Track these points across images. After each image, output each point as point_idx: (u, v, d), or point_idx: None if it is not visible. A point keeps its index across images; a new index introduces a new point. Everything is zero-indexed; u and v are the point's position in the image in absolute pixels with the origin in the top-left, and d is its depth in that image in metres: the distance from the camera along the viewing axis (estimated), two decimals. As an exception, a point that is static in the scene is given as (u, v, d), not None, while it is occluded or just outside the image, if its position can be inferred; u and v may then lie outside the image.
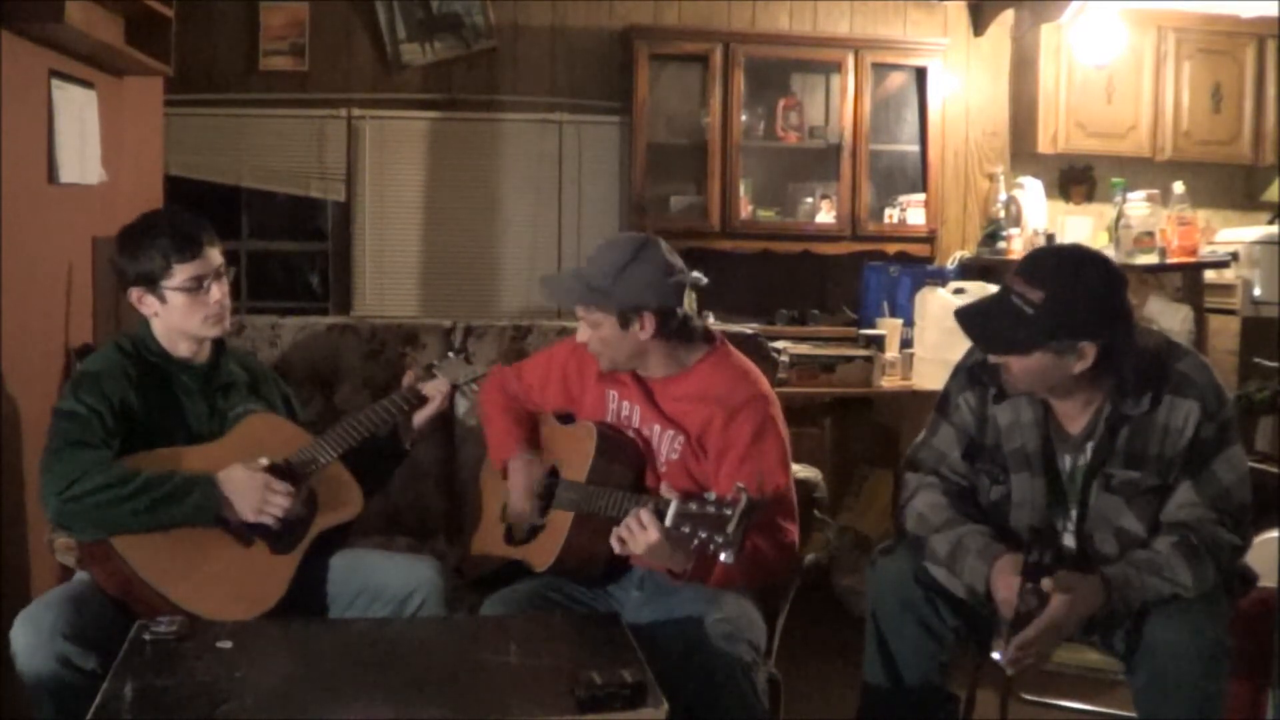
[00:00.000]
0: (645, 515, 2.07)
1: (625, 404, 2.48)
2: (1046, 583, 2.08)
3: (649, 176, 5.16)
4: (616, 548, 2.12)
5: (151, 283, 2.36)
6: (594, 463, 2.39)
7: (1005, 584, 2.13)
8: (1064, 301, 2.11)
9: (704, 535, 2.01)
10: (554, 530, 2.42)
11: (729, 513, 1.99)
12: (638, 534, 2.08)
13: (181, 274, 2.36)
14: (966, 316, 2.23)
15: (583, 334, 2.43)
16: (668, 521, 2.04)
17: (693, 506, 2.03)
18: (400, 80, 5.29)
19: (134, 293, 2.39)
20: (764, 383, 2.46)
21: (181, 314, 2.38)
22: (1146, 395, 2.18)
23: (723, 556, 2.01)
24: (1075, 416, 2.25)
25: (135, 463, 2.26)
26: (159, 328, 2.42)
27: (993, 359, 2.24)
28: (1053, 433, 2.28)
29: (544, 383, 2.63)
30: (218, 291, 2.40)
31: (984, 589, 2.18)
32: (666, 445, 2.41)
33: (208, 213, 2.59)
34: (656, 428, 2.43)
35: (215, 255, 2.41)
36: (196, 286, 2.37)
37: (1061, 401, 2.25)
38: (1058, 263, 2.20)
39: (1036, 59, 5.39)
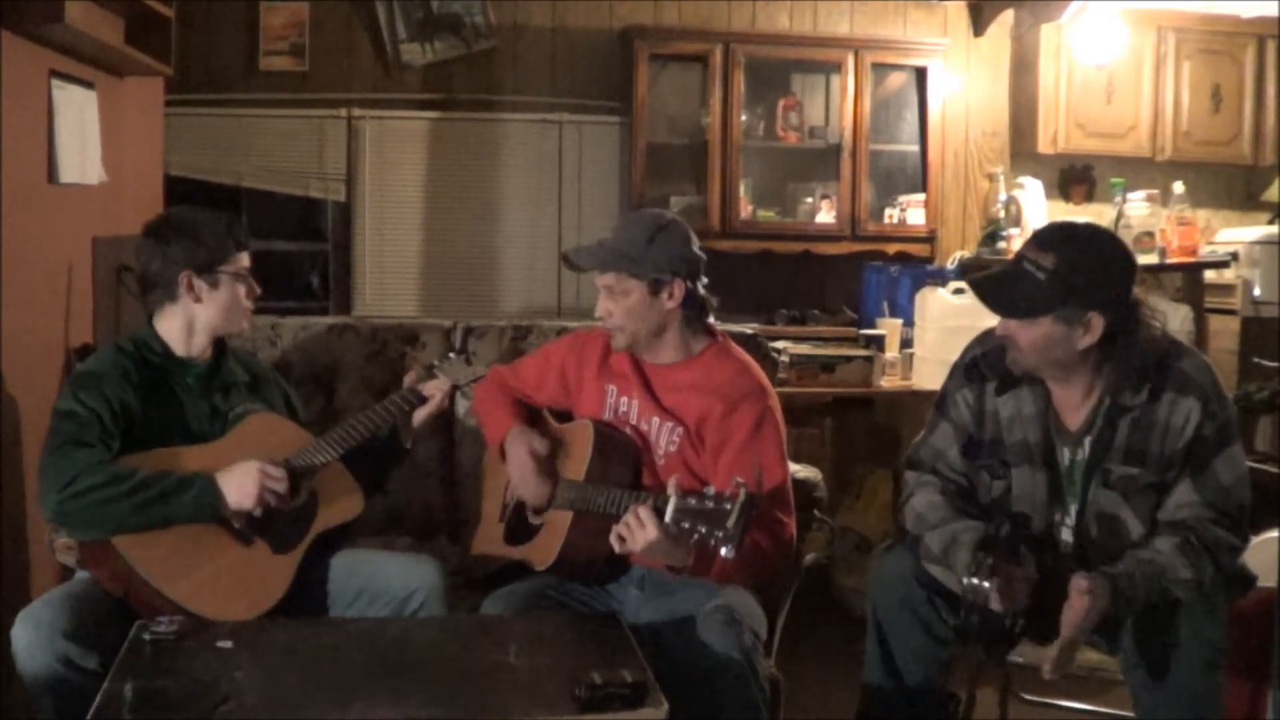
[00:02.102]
0: (644, 512, 2.07)
1: (624, 399, 2.48)
2: (1085, 578, 2.07)
3: (649, 176, 5.16)
4: (616, 546, 2.12)
5: (209, 268, 2.39)
6: (592, 461, 2.39)
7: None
8: (1075, 267, 2.13)
9: (704, 530, 2.01)
10: (553, 529, 2.42)
11: (728, 507, 1.99)
12: (636, 531, 2.08)
13: (240, 261, 2.44)
14: (979, 282, 2.24)
15: (603, 308, 2.42)
16: (667, 517, 2.04)
17: (692, 502, 2.03)
18: (400, 80, 5.29)
19: (184, 278, 2.39)
20: (763, 376, 2.48)
21: (230, 303, 2.42)
22: (1145, 388, 2.18)
23: (723, 551, 2.01)
24: (1075, 408, 2.26)
25: (135, 463, 2.25)
26: (175, 323, 2.41)
27: (1000, 332, 2.25)
28: (1053, 427, 2.28)
29: (541, 379, 2.63)
30: (254, 286, 2.48)
31: None
32: (665, 437, 2.42)
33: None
34: (655, 420, 2.43)
35: None
36: (247, 275, 2.45)
37: (1062, 387, 2.26)
38: (1071, 232, 2.23)
39: (1036, 59, 5.39)
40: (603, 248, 2.44)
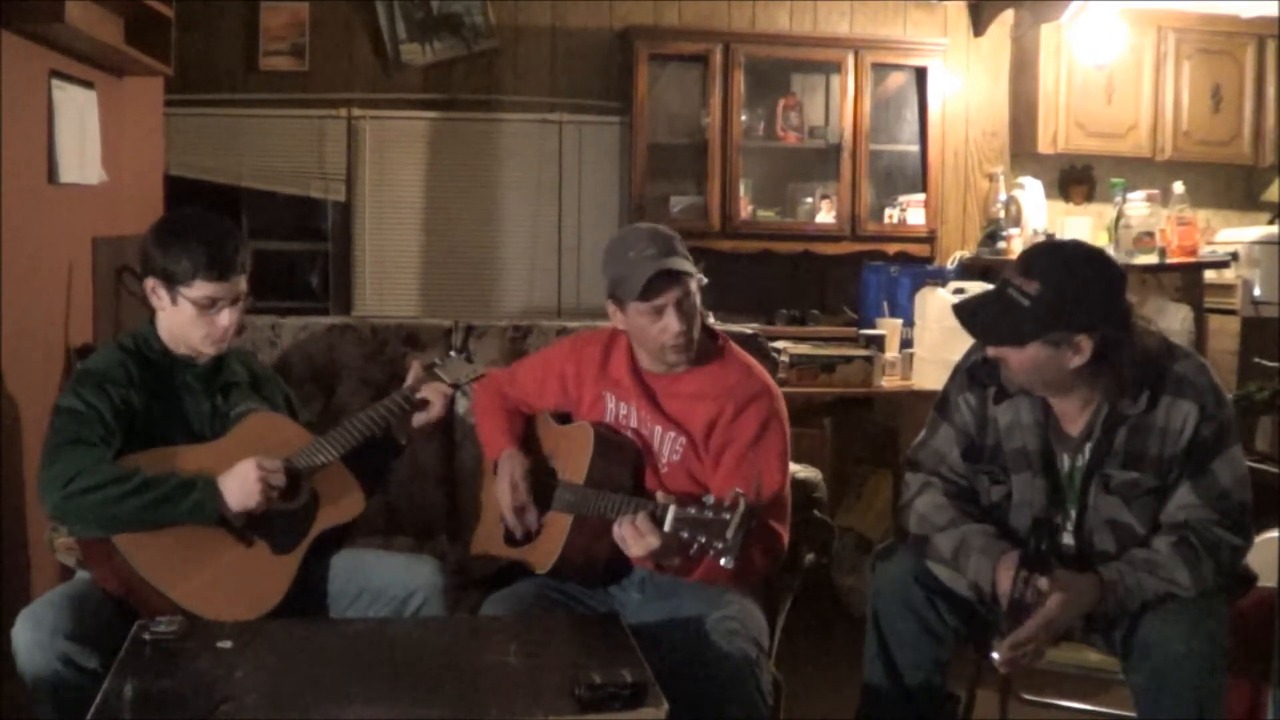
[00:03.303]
0: (643, 523, 2.06)
1: (623, 405, 2.47)
2: (1043, 582, 2.09)
3: (649, 176, 5.16)
4: (621, 545, 2.12)
5: (171, 282, 2.34)
6: (592, 464, 2.38)
7: (1007, 578, 2.13)
8: (1059, 293, 2.11)
9: (703, 541, 2.01)
10: (554, 531, 2.42)
11: (727, 518, 1.99)
12: (634, 542, 2.08)
13: (201, 289, 2.32)
14: (964, 310, 2.24)
15: (677, 326, 2.31)
16: (666, 527, 2.04)
17: (691, 512, 2.03)
18: (400, 80, 5.29)
19: (150, 281, 2.37)
20: (769, 377, 2.48)
21: (185, 322, 2.36)
22: (1144, 395, 2.18)
23: (723, 562, 2.01)
24: (1074, 417, 2.26)
25: (136, 461, 2.25)
26: (163, 324, 2.41)
27: (990, 353, 2.25)
28: (1052, 434, 2.28)
29: (541, 385, 2.62)
30: (227, 318, 2.36)
31: (989, 586, 2.19)
32: (668, 447, 2.41)
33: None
34: (657, 429, 2.42)
35: (241, 283, 2.37)
36: (209, 305, 2.34)
37: (1060, 400, 2.25)
38: (1054, 256, 2.21)
39: (1036, 59, 5.39)
40: (681, 261, 2.35)
